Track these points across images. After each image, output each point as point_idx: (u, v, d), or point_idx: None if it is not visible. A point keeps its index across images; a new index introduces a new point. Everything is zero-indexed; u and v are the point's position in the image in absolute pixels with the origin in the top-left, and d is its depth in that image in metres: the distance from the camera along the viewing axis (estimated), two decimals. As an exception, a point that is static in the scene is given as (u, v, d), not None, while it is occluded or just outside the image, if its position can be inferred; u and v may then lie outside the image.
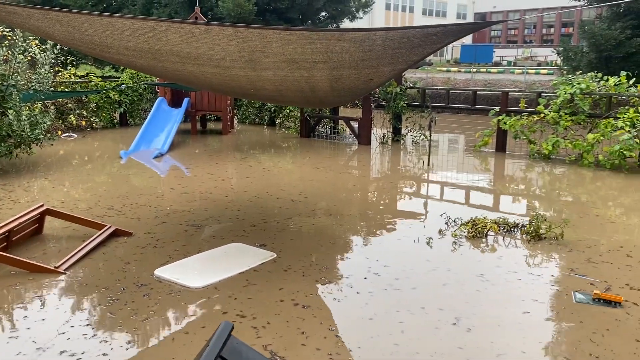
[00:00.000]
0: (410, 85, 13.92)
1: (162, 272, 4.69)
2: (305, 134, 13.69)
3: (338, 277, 4.74)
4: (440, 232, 6.03)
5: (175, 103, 13.58)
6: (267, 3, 21.99)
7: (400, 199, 8.01)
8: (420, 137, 12.59)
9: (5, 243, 5.03)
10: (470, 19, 58.92)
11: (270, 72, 4.96)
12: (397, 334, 3.71)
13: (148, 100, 15.26)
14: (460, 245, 5.64)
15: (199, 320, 3.88)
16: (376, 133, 13.06)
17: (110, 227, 5.63)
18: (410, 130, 12.81)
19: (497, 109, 11.79)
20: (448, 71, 32.06)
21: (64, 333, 3.64)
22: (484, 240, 5.81)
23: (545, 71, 29.61)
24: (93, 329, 3.70)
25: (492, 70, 33.37)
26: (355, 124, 13.10)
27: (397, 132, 13.25)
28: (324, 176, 9.14)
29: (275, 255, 5.16)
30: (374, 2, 28.08)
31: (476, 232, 5.89)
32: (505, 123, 11.41)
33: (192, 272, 4.73)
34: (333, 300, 4.24)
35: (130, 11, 23.12)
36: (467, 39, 47.53)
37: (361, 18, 27.53)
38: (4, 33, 10.83)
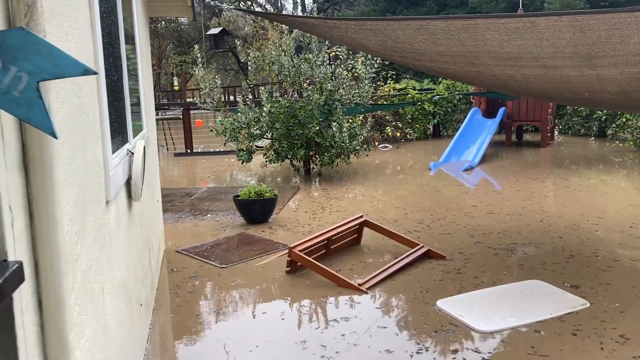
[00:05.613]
0: None
1: (445, 304, 4.08)
2: (647, 148, 11.25)
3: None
4: None
5: (489, 113, 12.87)
6: (602, -3, 19.27)
7: None
8: None
9: (324, 250, 5.12)
10: None
11: (616, 70, 3.87)
12: None
13: (462, 111, 14.94)
14: None
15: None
16: None
17: (423, 247, 5.21)
18: None
19: None
20: None
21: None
22: None
23: None
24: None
25: None
26: None
27: None
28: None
29: (588, 305, 3.99)
30: None
31: None
32: None
33: (479, 309, 4.00)
34: None
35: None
36: None
37: None
38: (337, 52, 11.94)
